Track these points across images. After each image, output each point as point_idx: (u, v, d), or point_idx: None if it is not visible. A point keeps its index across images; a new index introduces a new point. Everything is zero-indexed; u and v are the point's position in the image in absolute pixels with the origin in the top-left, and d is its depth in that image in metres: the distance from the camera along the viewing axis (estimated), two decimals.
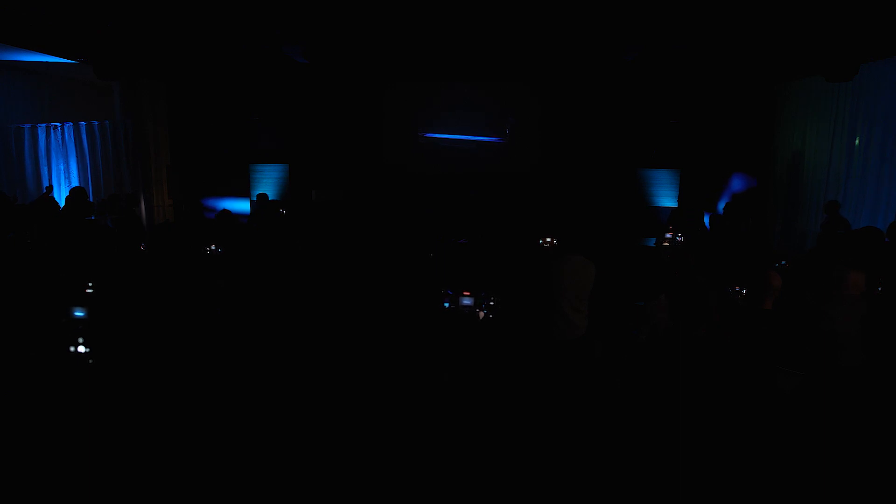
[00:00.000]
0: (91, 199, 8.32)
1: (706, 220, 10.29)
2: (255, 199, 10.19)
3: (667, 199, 11.17)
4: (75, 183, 9.26)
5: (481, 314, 4.53)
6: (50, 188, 8.59)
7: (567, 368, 4.35)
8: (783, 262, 6.19)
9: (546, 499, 3.26)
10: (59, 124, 9.25)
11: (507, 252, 8.13)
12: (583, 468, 3.38)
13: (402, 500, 3.25)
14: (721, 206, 10.39)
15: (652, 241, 9.83)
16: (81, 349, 3.50)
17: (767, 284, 3.70)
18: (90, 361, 3.50)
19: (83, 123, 9.59)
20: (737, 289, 4.95)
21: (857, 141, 8.19)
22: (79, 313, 3.60)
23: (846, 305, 3.89)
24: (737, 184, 10.82)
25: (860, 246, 5.26)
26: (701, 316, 3.01)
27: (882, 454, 3.21)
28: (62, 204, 7.82)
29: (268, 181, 11.42)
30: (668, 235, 7.80)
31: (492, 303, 4.64)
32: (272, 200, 10.12)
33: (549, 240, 8.14)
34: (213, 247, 6.49)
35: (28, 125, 8.79)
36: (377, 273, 6.71)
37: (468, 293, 4.47)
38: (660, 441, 3.15)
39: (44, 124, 9.05)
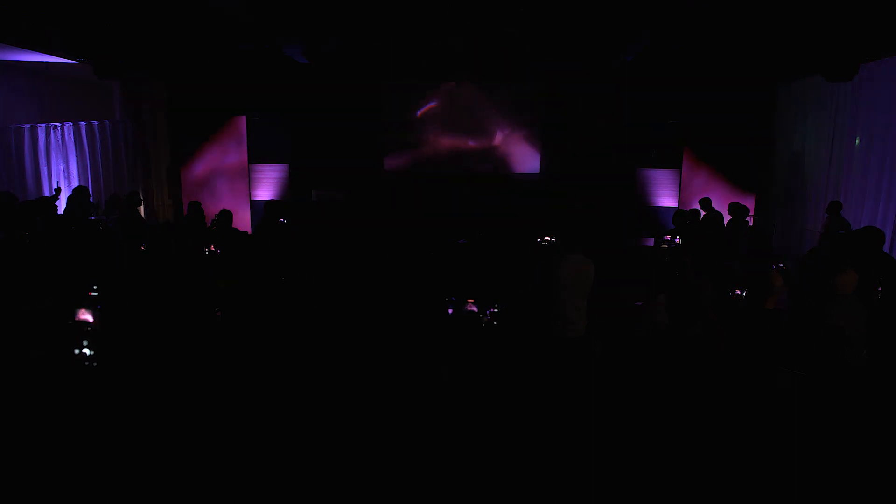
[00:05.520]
0: (91, 200, 8.27)
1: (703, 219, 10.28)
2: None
3: (667, 199, 11.17)
4: (76, 183, 9.23)
5: (485, 320, 4.50)
6: (59, 189, 8.23)
7: (567, 367, 4.35)
8: (781, 265, 6.17)
9: (546, 498, 3.26)
10: (59, 124, 9.21)
11: (508, 252, 8.13)
12: (582, 467, 3.38)
13: (403, 499, 3.25)
14: (720, 205, 10.38)
15: (651, 241, 9.83)
16: (87, 351, 3.49)
17: (769, 284, 3.70)
18: (93, 364, 3.50)
19: (83, 123, 9.56)
20: (738, 292, 4.94)
21: (857, 141, 8.19)
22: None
23: (846, 305, 3.90)
24: (736, 184, 10.80)
25: (860, 246, 5.25)
26: (696, 314, 3.01)
27: (883, 454, 3.21)
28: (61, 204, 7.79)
29: (268, 181, 11.42)
30: (667, 238, 7.80)
31: (495, 309, 4.61)
32: (274, 201, 10.09)
33: (548, 238, 8.16)
34: (212, 248, 6.47)
35: (28, 125, 8.76)
36: (377, 274, 6.71)
37: (472, 300, 4.43)
38: (660, 440, 3.16)
39: (44, 124, 9.01)
